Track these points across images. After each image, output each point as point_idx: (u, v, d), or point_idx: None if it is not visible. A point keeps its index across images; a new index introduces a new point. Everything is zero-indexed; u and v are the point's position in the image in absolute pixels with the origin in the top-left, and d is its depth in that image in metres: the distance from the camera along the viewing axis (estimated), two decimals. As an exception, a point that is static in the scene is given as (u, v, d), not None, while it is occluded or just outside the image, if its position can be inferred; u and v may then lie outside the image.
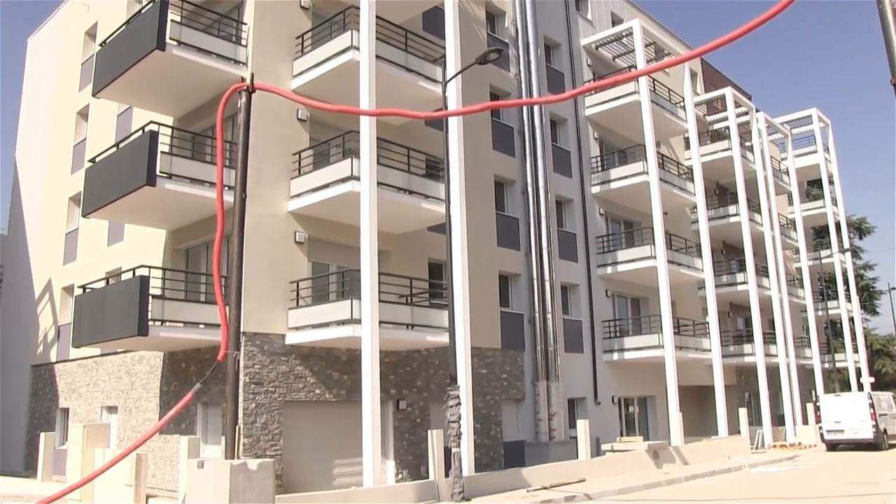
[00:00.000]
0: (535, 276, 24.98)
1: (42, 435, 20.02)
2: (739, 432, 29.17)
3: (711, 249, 30.93)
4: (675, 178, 30.72)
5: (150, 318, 16.21)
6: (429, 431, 17.23)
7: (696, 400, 32.66)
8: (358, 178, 17.61)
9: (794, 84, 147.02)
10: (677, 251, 29.76)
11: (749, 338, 34.53)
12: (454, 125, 19.59)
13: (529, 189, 25.58)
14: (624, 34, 30.85)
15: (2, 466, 25.88)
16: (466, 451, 17.51)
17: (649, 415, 30.35)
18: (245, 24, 19.11)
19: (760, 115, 39.05)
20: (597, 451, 23.61)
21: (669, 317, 26.87)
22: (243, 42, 18.95)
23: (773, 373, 34.55)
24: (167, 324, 16.59)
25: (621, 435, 27.60)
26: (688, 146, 34.42)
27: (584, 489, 17.58)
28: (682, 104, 32.59)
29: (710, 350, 29.59)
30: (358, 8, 18.91)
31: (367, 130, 17.85)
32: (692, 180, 31.54)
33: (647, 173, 28.39)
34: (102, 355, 22.28)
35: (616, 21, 33.90)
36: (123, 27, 19.26)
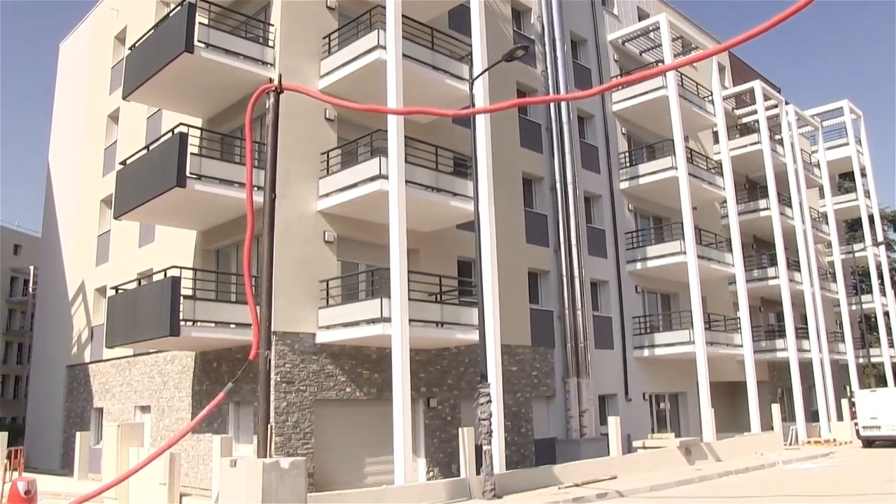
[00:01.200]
0: (564, 272, 24.86)
1: (77, 434, 20.30)
2: (773, 428, 28.85)
3: (742, 244, 30.69)
4: (705, 173, 30.45)
5: (181, 318, 16.34)
6: (459, 429, 17.23)
7: (728, 396, 32.36)
8: (386, 177, 17.63)
9: (825, 76, 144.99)
10: (707, 246, 29.49)
11: (781, 333, 34.15)
12: (481, 123, 19.55)
13: (558, 185, 25.46)
14: (651, 29, 30.62)
15: (39, 464, 26.27)
16: (497, 449, 17.49)
17: (681, 411, 30.11)
18: (272, 25, 19.21)
19: (790, 108, 38.54)
20: (628, 448, 23.49)
21: (700, 312, 26.62)
22: (270, 43, 19.04)
23: (806, 368, 34.09)
24: (198, 324, 16.71)
25: (653, 431, 27.41)
26: (716, 140, 34.11)
27: (616, 486, 17.49)
28: (710, 98, 32.27)
29: (741, 345, 29.30)
30: (384, 7, 18.93)
31: (394, 129, 17.88)
32: (721, 174, 31.23)
33: (676, 168, 28.16)
34: (135, 355, 22.54)
35: (642, 16, 33.65)
36: (152, 31, 19.46)
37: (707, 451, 23.58)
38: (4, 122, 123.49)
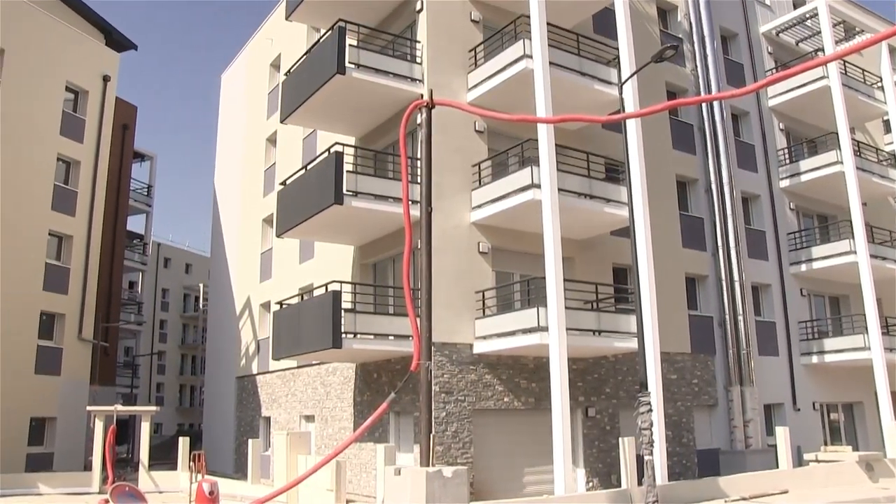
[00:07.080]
0: (723, 276, 23.90)
1: (250, 441, 21.41)
2: (976, 446, 26.30)
3: (923, 241, 28.38)
4: (875, 166, 28.41)
5: (343, 331, 16.90)
6: (619, 439, 16.86)
7: (912, 406, 29.90)
8: (539, 186, 17.55)
9: None
10: (881, 244, 27.44)
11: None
12: (633, 126, 19.10)
13: (713, 187, 24.54)
14: (808, 16, 28.93)
15: (215, 469, 27.83)
16: (659, 459, 16.95)
17: (857, 423, 28.10)
18: (419, 42, 19.62)
19: (975, 89, 35.29)
20: (798, 461, 22.19)
21: (875, 316, 24.79)
22: (418, 59, 19.45)
23: None
24: (359, 336, 17.22)
25: (825, 444, 25.73)
26: (888, 130, 31.78)
27: (788, 501, 16.56)
28: (879, 84, 30.12)
29: (926, 352, 27.07)
30: (528, 17, 18.91)
31: (544, 138, 17.77)
32: (895, 166, 29.08)
33: (842, 163, 26.43)
34: (299, 367, 23.51)
35: (797, 3, 31.85)
36: (305, 56, 20.33)
37: (893, 467, 21.84)
38: (177, 153, 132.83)
